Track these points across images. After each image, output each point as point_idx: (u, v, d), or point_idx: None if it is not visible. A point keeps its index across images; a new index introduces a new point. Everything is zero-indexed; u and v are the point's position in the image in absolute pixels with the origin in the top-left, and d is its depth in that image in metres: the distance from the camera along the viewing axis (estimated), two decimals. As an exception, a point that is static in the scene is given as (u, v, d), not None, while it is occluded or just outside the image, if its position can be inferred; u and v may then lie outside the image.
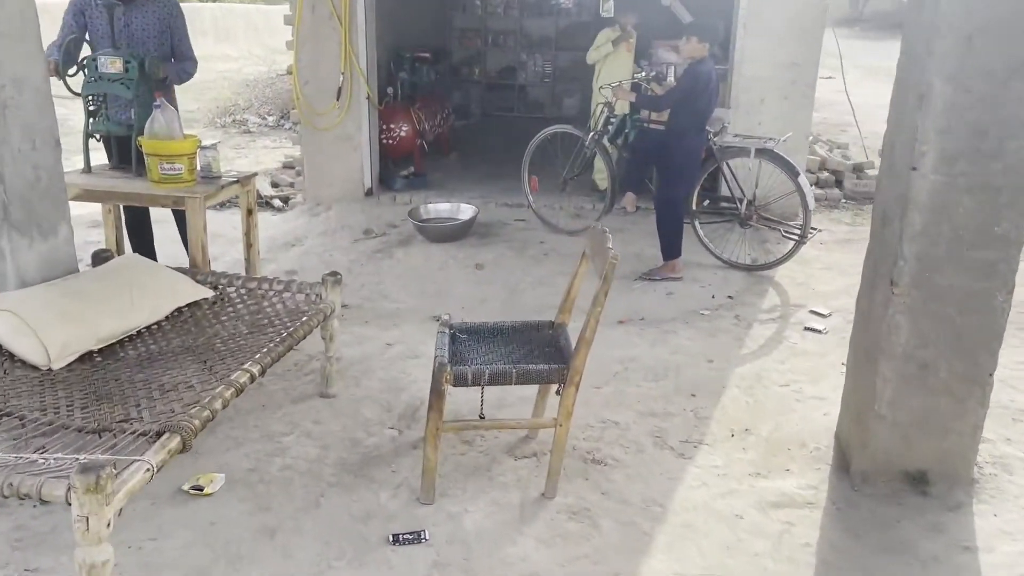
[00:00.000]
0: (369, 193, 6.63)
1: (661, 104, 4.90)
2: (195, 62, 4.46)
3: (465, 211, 6.04)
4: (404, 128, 6.89)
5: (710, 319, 4.55)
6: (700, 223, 5.30)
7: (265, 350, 2.91)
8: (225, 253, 5.51)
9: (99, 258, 3.53)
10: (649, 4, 6.52)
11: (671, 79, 5.57)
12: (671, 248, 5.02)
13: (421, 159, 7.21)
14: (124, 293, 3.16)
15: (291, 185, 7.56)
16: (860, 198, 6.76)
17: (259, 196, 7.06)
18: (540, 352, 2.98)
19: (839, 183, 7.31)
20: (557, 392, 2.82)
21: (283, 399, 3.57)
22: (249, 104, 12.40)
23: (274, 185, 7.65)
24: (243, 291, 3.50)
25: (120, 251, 4.33)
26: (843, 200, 7.06)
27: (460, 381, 2.75)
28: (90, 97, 4.01)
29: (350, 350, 4.05)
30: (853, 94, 6.98)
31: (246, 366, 2.75)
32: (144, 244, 4.67)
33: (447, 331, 3.11)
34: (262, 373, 2.82)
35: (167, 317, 3.25)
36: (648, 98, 5.03)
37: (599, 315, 2.74)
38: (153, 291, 3.24)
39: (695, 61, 4.71)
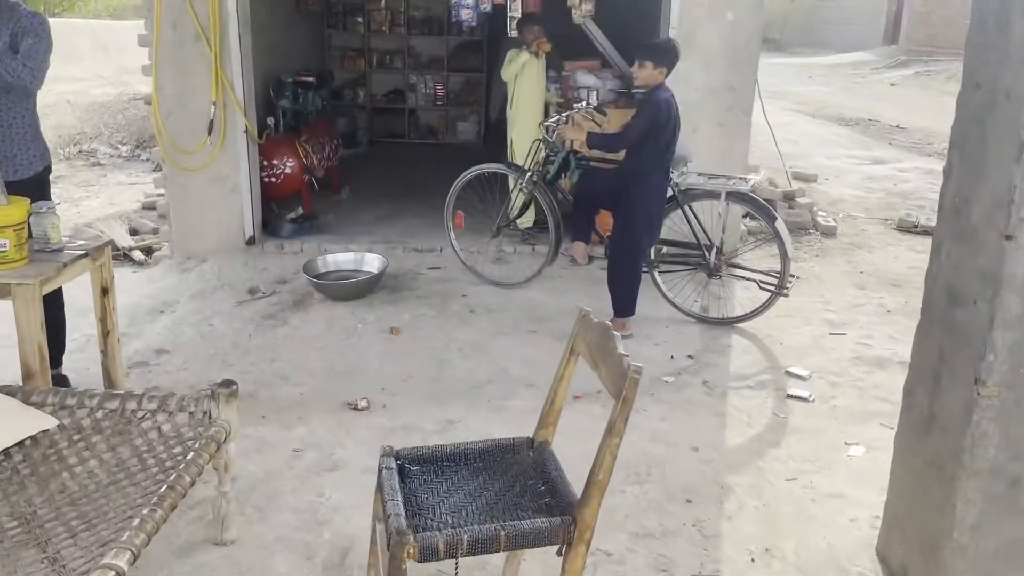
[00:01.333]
0: (251, 242, 5.66)
1: (619, 143, 4.23)
2: (30, 70, 3.36)
3: (371, 262, 5.18)
4: (289, 164, 5.96)
5: (676, 387, 3.90)
6: (659, 272, 4.66)
7: (137, 521, 2.01)
8: (71, 330, 4.43)
9: None
10: (555, 19, 5.89)
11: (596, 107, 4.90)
12: (626, 305, 4.36)
13: (310, 198, 6.29)
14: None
15: (154, 231, 6.46)
16: (794, 229, 6.35)
17: (115, 248, 5.95)
18: (527, 492, 2.21)
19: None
20: (559, 553, 2.06)
21: (162, 553, 2.64)
22: (98, 132, 11.01)
23: (133, 233, 6.53)
24: (100, 415, 2.55)
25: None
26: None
27: (428, 554, 1.94)
28: None
29: (247, 463, 3.16)
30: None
31: (109, 559, 1.85)
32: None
33: (393, 463, 2.29)
34: (134, 560, 1.92)
35: (-14, 467, 2.28)
36: (602, 137, 4.33)
37: (617, 448, 2.00)
38: (-36, 430, 2.26)
39: (652, 89, 4.08)
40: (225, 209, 5.55)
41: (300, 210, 6.05)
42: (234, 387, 2.57)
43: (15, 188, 3.22)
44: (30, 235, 3.03)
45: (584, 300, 4.99)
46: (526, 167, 4.95)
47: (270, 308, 4.82)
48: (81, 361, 4.09)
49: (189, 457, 2.31)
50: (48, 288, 2.89)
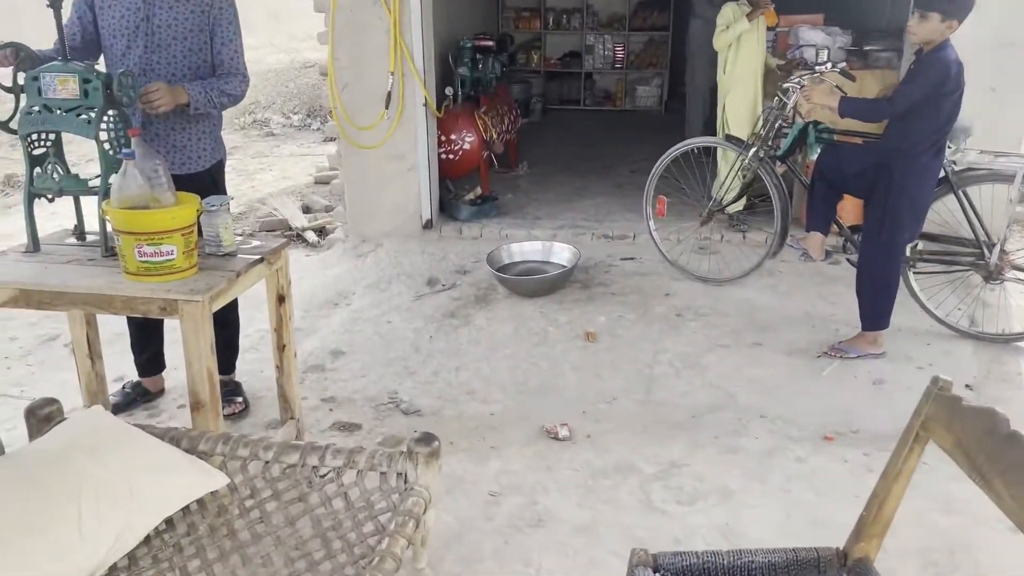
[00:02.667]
0: (428, 226, 5.20)
1: (883, 112, 3.40)
2: (245, 78, 3.10)
3: (559, 252, 4.59)
4: (468, 138, 5.44)
5: (957, 431, 3.08)
6: (915, 273, 3.81)
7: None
8: (245, 323, 4.11)
9: (38, 419, 2.13)
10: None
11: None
12: (879, 315, 3.54)
13: (488, 176, 5.76)
14: (69, 508, 1.77)
15: (327, 209, 6.16)
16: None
17: (288, 228, 5.67)
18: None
19: None
20: None
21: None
22: (271, 101, 11.00)
23: (306, 210, 6.25)
24: (276, 471, 2.09)
25: (94, 356, 2.94)
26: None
27: None
28: (32, 138, 2.61)
29: (438, 507, 2.65)
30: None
31: None
32: (151, 342, 3.37)
33: (650, 574, 1.68)
34: None
35: (144, 541, 1.85)
36: (861, 105, 3.51)
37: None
38: (123, 493, 1.84)
39: (935, 48, 3.22)
40: (402, 190, 5.11)
41: (478, 190, 5.54)
42: (435, 444, 2.03)
43: (184, 183, 2.83)
44: (200, 235, 2.62)
45: (817, 304, 4.19)
46: (749, 140, 4.17)
47: (451, 303, 4.33)
48: (255, 362, 3.75)
49: (384, 545, 1.79)
50: (219, 304, 2.46)
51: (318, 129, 9.93)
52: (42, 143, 2.65)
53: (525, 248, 4.64)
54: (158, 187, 2.44)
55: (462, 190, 5.62)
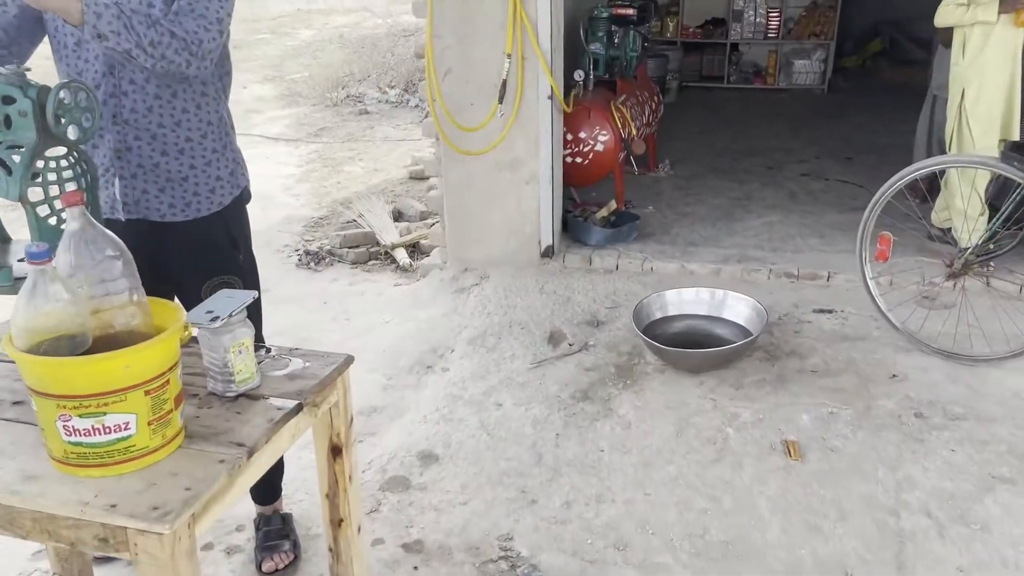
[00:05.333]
0: (548, 253, 4.02)
1: None
2: (212, 27, 1.80)
3: (734, 306, 3.33)
4: (602, 137, 4.22)
5: None
6: None
7: None
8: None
9: None
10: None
11: None
12: None
13: (624, 184, 4.53)
14: None
15: (422, 217, 5.06)
16: None
17: (375, 244, 4.61)
18: None
19: None
20: None
21: None
22: (366, 74, 9.98)
23: (397, 217, 5.17)
24: None
25: None
26: None
27: None
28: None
29: None
30: None
31: None
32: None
33: None
34: None
35: None
36: None
37: None
38: None
39: None
40: (516, 207, 3.94)
41: (612, 204, 4.31)
42: None
43: (183, 238, 1.80)
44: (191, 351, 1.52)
45: None
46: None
47: (583, 376, 3.16)
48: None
49: None
50: (217, 512, 1.36)
51: (416, 106, 8.87)
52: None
53: (684, 297, 3.41)
54: (111, 296, 1.35)
55: (591, 204, 4.41)
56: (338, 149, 7.23)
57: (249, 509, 2.42)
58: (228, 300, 1.57)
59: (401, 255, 4.52)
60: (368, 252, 4.62)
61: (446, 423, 2.92)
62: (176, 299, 2.13)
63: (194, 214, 1.96)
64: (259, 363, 1.64)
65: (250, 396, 1.55)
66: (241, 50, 12.93)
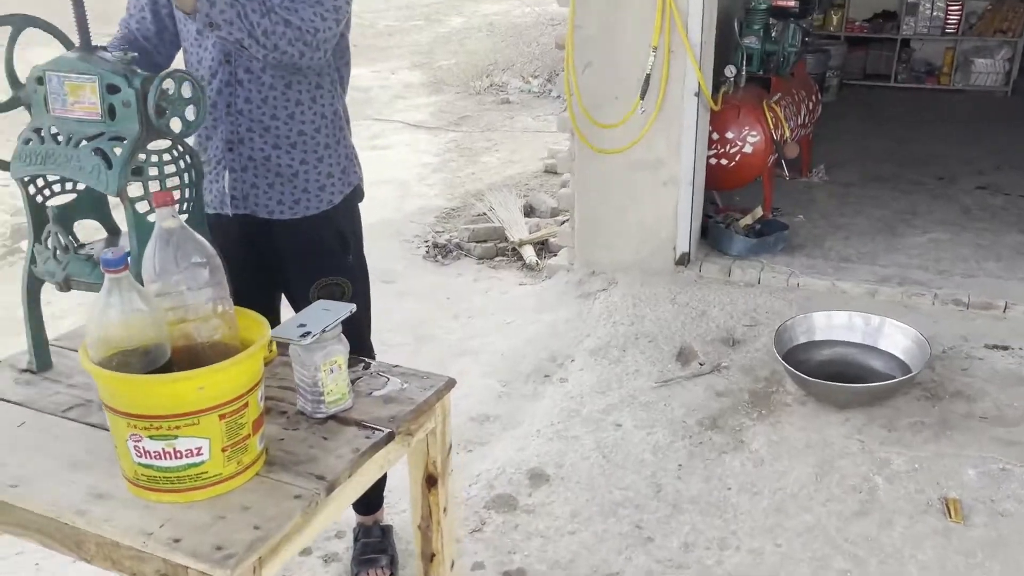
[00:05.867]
0: (684, 261, 3.76)
1: None
2: (330, 14, 1.70)
3: (891, 335, 2.98)
4: (752, 138, 3.90)
5: None
6: None
7: None
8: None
9: None
10: None
11: None
12: None
13: (772, 190, 4.19)
14: None
15: (552, 214, 4.89)
16: None
17: (503, 239, 4.48)
18: None
19: None
20: None
21: None
22: (510, 63, 9.89)
23: (528, 212, 5.03)
24: None
25: None
26: None
27: None
28: (39, 183, 1.52)
29: None
30: None
31: None
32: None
33: None
34: None
35: None
36: None
37: None
38: None
39: None
40: (652, 209, 3.70)
41: (758, 211, 3.99)
42: None
43: (287, 237, 1.72)
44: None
45: None
46: None
47: (713, 402, 2.90)
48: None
49: None
50: (289, 552, 1.24)
51: (557, 96, 8.69)
52: (53, 191, 1.55)
53: (834, 321, 3.07)
54: (193, 306, 1.24)
55: (734, 210, 4.10)
56: (476, 139, 7.17)
57: (350, 514, 2.33)
58: (324, 313, 1.45)
59: (528, 253, 4.37)
60: (495, 248, 4.50)
61: (560, 440, 2.75)
62: (284, 297, 2.06)
63: (302, 212, 1.86)
64: (355, 380, 1.52)
65: (340, 419, 1.42)
66: (393, 36, 13.18)
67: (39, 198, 1.53)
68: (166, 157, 1.47)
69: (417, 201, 5.40)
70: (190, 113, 1.45)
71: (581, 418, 2.85)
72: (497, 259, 4.43)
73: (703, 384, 3.01)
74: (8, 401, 1.47)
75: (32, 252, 1.52)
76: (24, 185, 1.50)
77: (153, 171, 1.45)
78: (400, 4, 16.53)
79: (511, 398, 3.05)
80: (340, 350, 1.42)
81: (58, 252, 1.48)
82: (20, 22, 1.48)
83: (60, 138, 1.44)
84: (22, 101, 1.49)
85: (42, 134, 1.45)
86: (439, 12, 15.69)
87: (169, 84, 1.41)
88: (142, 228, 1.46)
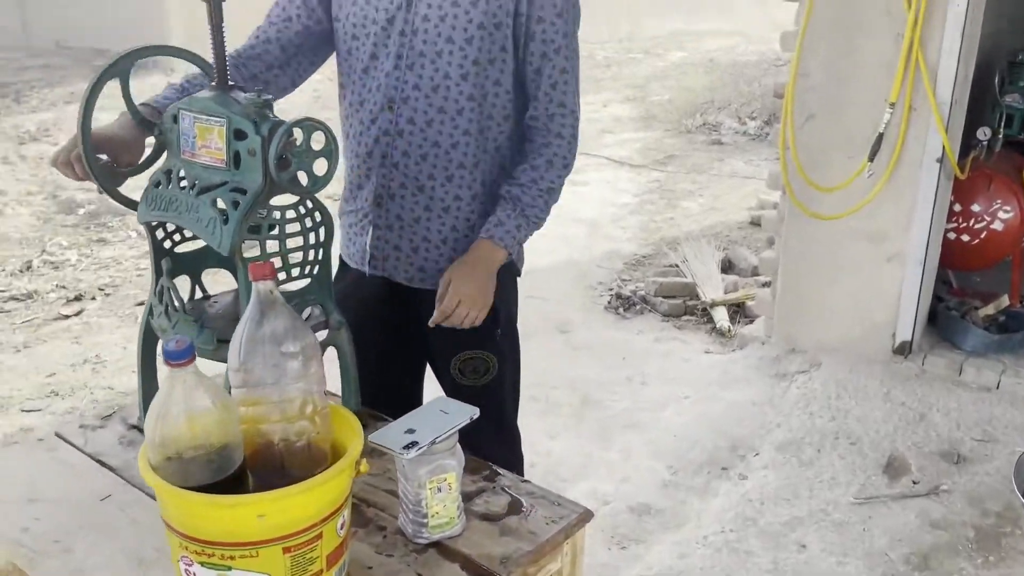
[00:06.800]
0: (904, 351, 3.22)
1: None
2: (574, 126, 1.61)
3: None
4: (1004, 213, 3.30)
5: None
6: None
7: None
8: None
9: None
10: None
11: None
12: None
13: (1022, 277, 3.53)
14: None
15: (753, 273, 4.44)
16: None
17: (694, 297, 4.12)
18: None
19: None
20: None
21: None
22: (727, 103, 9.42)
23: (726, 268, 4.61)
24: None
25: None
26: None
27: None
28: (167, 228, 1.40)
29: None
30: None
31: None
32: None
33: None
34: None
35: None
36: None
37: None
38: None
39: None
40: (870, 286, 3.20)
41: (1004, 300, 3.35)
42: None
43: (429, 302, 1.52)
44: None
45: None
46: None
47: (925, 534, 2.39)
48: None
49: None
50: None
51: (774, 141, 8.13)
52: (184, 236, 1.42)
53: (1096, 456, 2.46)
54: (277, 404, 1.04)
55: (972, 298, 3.48)
56: (680, 180, 6.81)
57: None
58: (439, 417, 1.20)
59: (720, 315, 3.96)
60: (684, 305, 4.13)
61: (731, 553, 2.36)
62: (428, 366, 1.85)
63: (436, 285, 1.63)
64: (472, 494, 1.27)
65: (444, 548, 1.17)
66: (611, 68, 13.07)
67: (167, 243, 1.42)
68: (290, 214, 1.30)
69: (607, 244, 5.14)
70: (319, 167, 1.27)
71: (758, 529, 2.44)
72: (684, 318, 4.06)
73: (915, 509, 2.50)
74: (104, 465, 1.36)
75: (150, 303, 1.40)
76: (151, 230, 1.38)
77: (273, 228, 1.28)
78: (621, 35, 16.43)
79: (678, 490, 2.69)
80: (452, 466, 1.17)
81: (169, 309, 1.34)
82: (125, 61, 1.35)
83: (185, 183, 1.30)
84: (162, 137, 1.38)
85: (171, 177, 1.33)
86: (660, 46, 15.43)
87: (297, 133, 1.23)
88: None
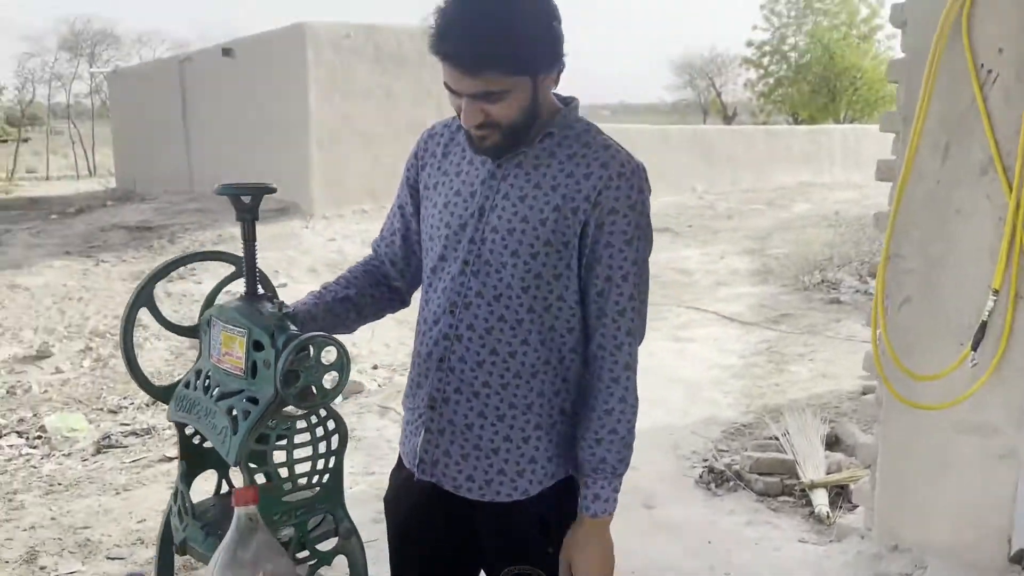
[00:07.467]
0: (1020, 559, 2.87)
1: None
2: (631, 349, 1.55)
3: None
4: None
5: None
6: None
7: None
8: None
9: None
10: None
11: None
12: None
13: None
14: None
15: (849, 452, 4.15)
16: None
17: (791, 475, 3.88)
18: None
19: None
20: None
21: None
22: (847, 259, 9.17)
23: (832, 443, 4.34)
24: None
25: None
26: None
27: None
28: (192, 430, 1.45)
29: None
30: None
31: None
32: None
33: None
34: None
35: None
36: None
37: None
38: None
39: None
40: (978, 485, 2.92)
41: None
42: None
43: (477, 511, 1.49)
44: None
45: None
46: None
47: None
48: None
49: None
50: None
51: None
52: (190, 445, 1.47)
53: None
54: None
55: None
56: (791, 342, 6.57)
57: None
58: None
59: (819, 498, 3.70)
60: (781, 483, 3.89)
61: None
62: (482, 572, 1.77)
63: (492, 496, 1.58)
64: None
65: None
66: (732, 219, 13.06)
67: (196, 439, 1.47)
68: (300, 424, 1.32)
69: (706, 409, 4.97)
70: (328, 382, 1.30)
71: None
72: (780, 499, 3.82)
73: None
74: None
75: (170, 506, 1.44)
76: (179, 427, 1.44)
77: (283, 439, 1.31)
78: (746, 187, 16.49)
79: None
80: None
81: (182, 511, 1.37)
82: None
83: (209, 386, 1.36)
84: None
85: (199, 379, 1.39)
86: (784, 197, 15.33)
87: (309, 350, 1.27)
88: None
